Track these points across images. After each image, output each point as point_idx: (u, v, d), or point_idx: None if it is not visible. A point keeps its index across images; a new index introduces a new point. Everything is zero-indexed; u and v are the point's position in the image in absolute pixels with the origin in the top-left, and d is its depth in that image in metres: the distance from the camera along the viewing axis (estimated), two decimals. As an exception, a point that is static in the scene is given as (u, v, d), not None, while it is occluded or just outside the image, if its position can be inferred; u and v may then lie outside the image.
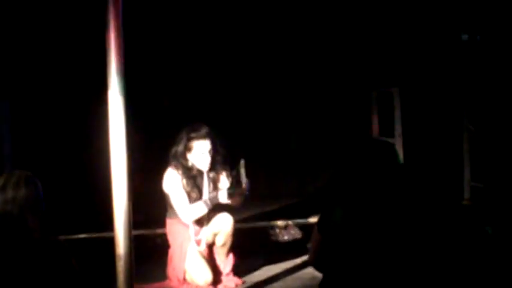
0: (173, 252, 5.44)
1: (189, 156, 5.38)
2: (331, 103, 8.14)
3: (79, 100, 7.28)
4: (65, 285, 3.12)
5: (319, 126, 8.16)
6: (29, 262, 3.06)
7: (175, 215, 5.41)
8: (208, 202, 5.32)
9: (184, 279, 5.37)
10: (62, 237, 3.28)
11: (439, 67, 7.76)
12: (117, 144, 3.84)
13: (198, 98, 7.64)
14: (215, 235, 5.47)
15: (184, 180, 5.35)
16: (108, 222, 4.06)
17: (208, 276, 5.30)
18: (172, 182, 5.35)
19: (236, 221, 5.55)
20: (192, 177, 5.39)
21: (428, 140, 7.73)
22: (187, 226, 5.42)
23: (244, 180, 5.26)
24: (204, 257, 5.38)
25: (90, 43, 6.25)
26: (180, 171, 5.35)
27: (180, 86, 7.73)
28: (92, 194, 6.64)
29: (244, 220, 6.62)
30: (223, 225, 5.42)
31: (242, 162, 5.28)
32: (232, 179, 5.39)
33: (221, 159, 5.47)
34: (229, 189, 5.32)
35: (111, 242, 3.93)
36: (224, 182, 5.48)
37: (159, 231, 6.04)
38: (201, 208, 5.33)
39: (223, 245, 5.47)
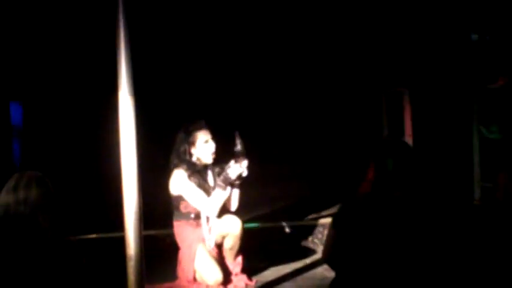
0: (182, 254, 5.46)
1: (193, 150, 5.39)
2: (341, 103, 8.13)
3: (89, 101, 7.31)
4: (75, 285, 3.14)
5: (330, 126, 8.15)
6: (41, 262, 3.07)
7: (182, 217, 5.43)
8: (221, 183, 5.30)
9: (195, 279, 5.38)
10: (73, 237, 3.29)
11: (449, 67, 7.74)
12: (127, 145, 3.86)
13: (209, 98, 7.65)
14: (223, 237, 5.48)
15: (191, 177, 5.36)
16: (118, 223, 4.07)
17: (219, 275, 5.31)
18: (182, 181, 5.36)
19: (245, 221, 5.55)
20: (198, 171, 5.41)
21: (438, 140, 7.71)
22: (195, 227, 5.44)
23: (240, 148, 5.29)
24: (213, 257, 5.39)
25: (100, 45, 6.27)
26: (185, 168, 5.36)
27: (189, 86, 7.74)
28: (102, 194, 6.67)
29: (255, 220, 6.63)
30: (232, 228, 5.43)
31: (236, 133, 5.31)
32: (234, 155, 5.37)
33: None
34: (235, 161, 5.29)
35: (121, 242, 3.95)
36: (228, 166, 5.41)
37: (169, 231, 6.06)
38: (219, 194, 5.32)
39: (232, 248, 5.48)
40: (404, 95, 7.30)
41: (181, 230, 5.46)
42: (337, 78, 8.06)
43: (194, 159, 5.41)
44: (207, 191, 5.40)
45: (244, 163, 5.31)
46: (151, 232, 5.92)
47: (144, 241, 3.95)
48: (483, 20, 7.47)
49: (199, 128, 5.39)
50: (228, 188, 5.36)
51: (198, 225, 5.44)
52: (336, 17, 7.85)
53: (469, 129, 7.33)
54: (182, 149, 5.38)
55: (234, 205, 5.50)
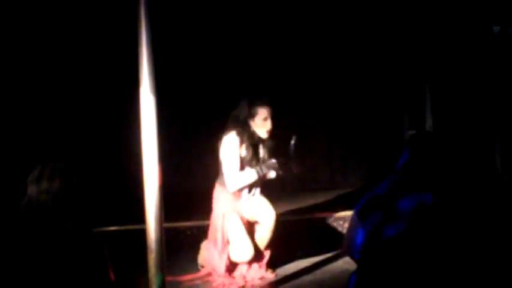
0: (215, 220, 5.44)
1: (251, 122, 5.39)
2: (363, 97, 8.12)
3: (112, 97, 7.36)
4: (97, 276, 3.17)
5: (351, 119, 8.14)
6: (63, 253, 3.09)
7: (225, 183, 5.43)
8: (260, 170, 5.34)
9: (223, 250, 5.38)
10: (95, 229, 3.33)
11: (471, 60, 7.71)
12: (148, 140, 3.89)
13: (230, 93, 7.66)
14: (255, 224, 5.47)
15: (244, 147, 5.36)
16: (140, 215, 4.12)
17: (250, 250, 5.32)
18: (230, 147, 5.33)
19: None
20: (252, 145, 5.41)
21: (459, 134, 7.69)
22: (235, 197, 5.43)
23: (292, 153, 5.37)
24: (247, 230, 5.38)
25: (122, 42, 6.32)
26: (242, 138, 5.36)
27: (211, 82, 7.76)
28: (124, 187, 6.72)
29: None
30: (266, 219, 5.43)
31: (294, 137, 5.37)
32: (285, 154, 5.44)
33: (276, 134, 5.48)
34: (280, 161, 5.38)
35: (142, 234, 3.99)
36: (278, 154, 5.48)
37: (190, 223, 6.09)
38: (250, 175, 5.34)
39: (262, 238, 5.47)
40: (425, 88, 7.28)
41: (220, 196, 5.44)
42: (359, 72, 8.05)
43: (252, 130, 5.41)
44: (251, 164, 5.40)
45: (279, 168, 5.40)
46: (173, 224, 5.95)
47: (165, 233, 3.98)
48: (505, 12, 7.44)
49: (263, 104, 5.37)
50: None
51: (238, 196, 5.45)
52: (361, 13, 7.84)
53: (491, 122, 7.30)
54: (242, 117, 5.38)
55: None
